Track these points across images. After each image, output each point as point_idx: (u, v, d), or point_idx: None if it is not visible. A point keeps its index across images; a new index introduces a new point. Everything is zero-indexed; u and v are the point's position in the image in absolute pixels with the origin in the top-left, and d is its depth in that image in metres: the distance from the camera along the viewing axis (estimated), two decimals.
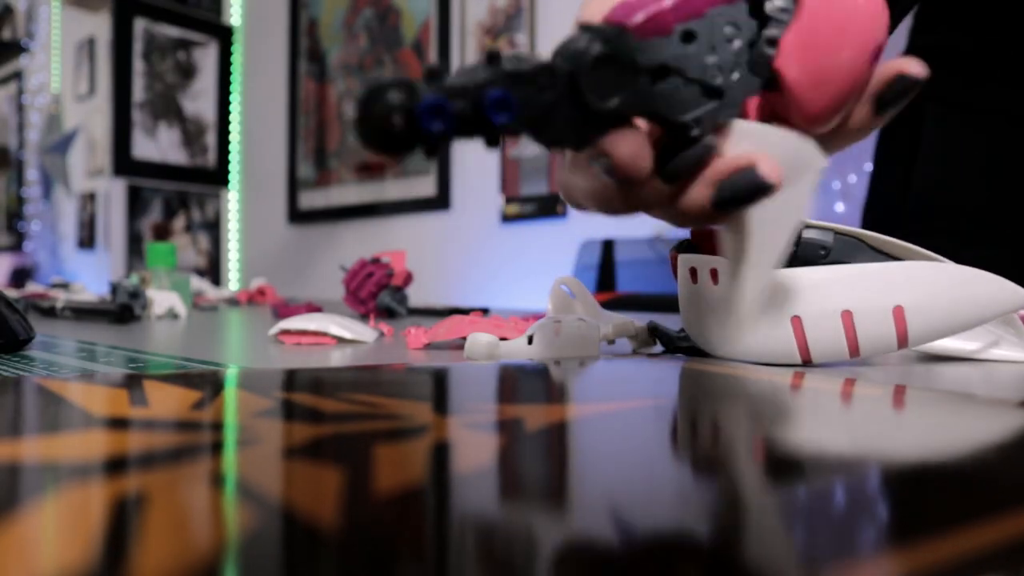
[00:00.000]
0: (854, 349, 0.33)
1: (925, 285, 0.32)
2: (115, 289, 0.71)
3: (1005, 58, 0.55)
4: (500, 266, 2.04)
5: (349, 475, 0.13)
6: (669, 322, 0.52)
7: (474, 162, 2.10)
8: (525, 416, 0.18)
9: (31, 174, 3.52)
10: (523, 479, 0.14)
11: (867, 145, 0.96)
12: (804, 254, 0.34)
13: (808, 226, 0.34)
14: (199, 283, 1.12)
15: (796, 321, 0.33)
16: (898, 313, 0.32)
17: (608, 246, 1.67)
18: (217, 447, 0.15)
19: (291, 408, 0.19)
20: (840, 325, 0.32)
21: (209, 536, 0.10)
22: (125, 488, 0.12)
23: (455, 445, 0.16)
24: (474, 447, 0.15)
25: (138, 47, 2.64)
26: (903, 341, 0.33)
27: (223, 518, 0.11)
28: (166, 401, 0.20)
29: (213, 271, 2.87)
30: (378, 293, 0.74)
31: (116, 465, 0.14)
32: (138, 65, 2.65)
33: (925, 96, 0.60)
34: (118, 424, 0.17)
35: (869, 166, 0.70)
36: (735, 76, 0.23)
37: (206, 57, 2.83)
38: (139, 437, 0.16)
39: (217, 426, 0.17)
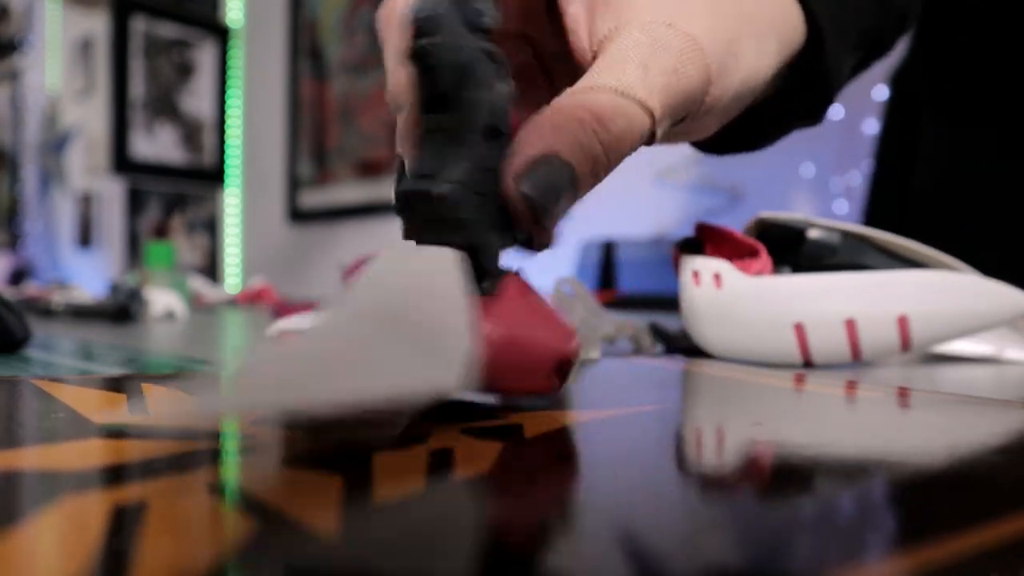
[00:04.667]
0: (856, 356, 0.33)
1: (930, 293, 0.32)
2: (113, 289, 0.70)
3: (1004, 60, 0.55)
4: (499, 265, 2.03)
5: (349, 483, 0.13)
6: (669, 322, 0.51)
7: None
8: (524, 422, 0.18)
9: (28, 173, 3.52)
10: (523, 487, 0.14)
11: (867, 144, 0.96)
12: (811, 253, 0.34)
13: (814, 226, 0.34)
14: (197, 282, 1.12)
15: (799, 328, 0.32)
16: (902, 322, 0.32)
17: (609, 246, 1.67)
18: (216, 455, 0.15)
19: (289, 415, 0.19)
20: (844, 333, 0.32)
21: (209, 546, 0.10)
22: (123, 497, 0.12)
23: (454, 452, 0.15)
24: (474, 454, 0.15)
25: (136, 45, 2.64)
26: (906, 349, 0.33)
27: (222, 528, 0.11)
28: (163, 407, 0.19)
29: (211, 270, 2.86)
30: None
31: (114, 474, 0.14)
32: (136, 64, 2.65)
33: (924, 98, 0.60)
34: (115, 431, 0.17)
35: (867, 164, 0.69)
36: None
37: (204, 56, 2.83)
38: (137, 445, 0.16)
39: (215, 434, 0.17)
